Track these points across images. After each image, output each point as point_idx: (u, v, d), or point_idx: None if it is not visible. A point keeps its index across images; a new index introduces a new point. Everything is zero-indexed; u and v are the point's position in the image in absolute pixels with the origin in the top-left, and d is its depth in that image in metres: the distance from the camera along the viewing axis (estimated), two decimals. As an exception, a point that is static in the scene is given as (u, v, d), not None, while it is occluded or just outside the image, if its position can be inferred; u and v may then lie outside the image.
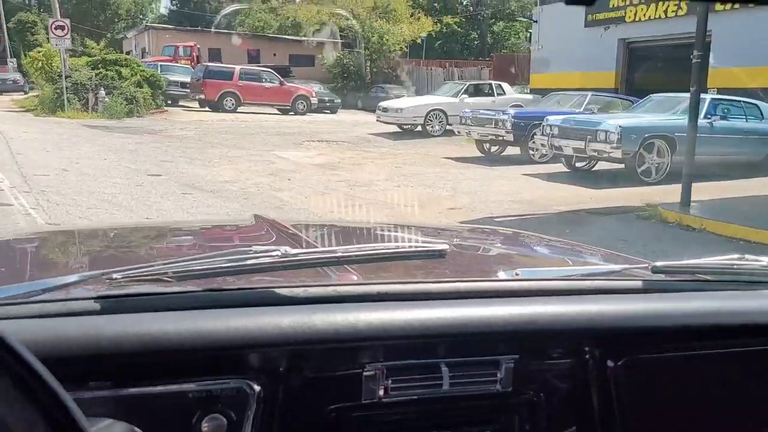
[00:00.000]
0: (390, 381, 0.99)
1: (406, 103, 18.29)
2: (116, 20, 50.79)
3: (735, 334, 1.15)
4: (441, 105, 18.17)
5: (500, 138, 13.42)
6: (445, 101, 18.34)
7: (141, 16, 53.43)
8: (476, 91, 19.06)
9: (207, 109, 24.98)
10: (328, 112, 28.86)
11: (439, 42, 43.74)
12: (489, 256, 1.91)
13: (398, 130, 18.73)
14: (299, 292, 1.04)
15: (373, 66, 34.24)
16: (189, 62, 29.90)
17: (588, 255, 1.92)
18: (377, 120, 19.23)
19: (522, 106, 18.72)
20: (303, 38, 37.95)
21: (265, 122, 21.71)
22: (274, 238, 1.66)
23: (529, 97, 19.21)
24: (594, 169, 12.36)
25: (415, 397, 1.00)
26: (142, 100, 21.25)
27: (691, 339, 1.14)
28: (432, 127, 18.30)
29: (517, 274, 1.27)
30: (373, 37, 32.83)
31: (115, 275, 1.03)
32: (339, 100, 29.72)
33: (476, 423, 1.08)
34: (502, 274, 1.34)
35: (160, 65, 27.33)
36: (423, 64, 35.02)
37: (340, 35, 37.13)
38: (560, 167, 12.41)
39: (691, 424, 1.15)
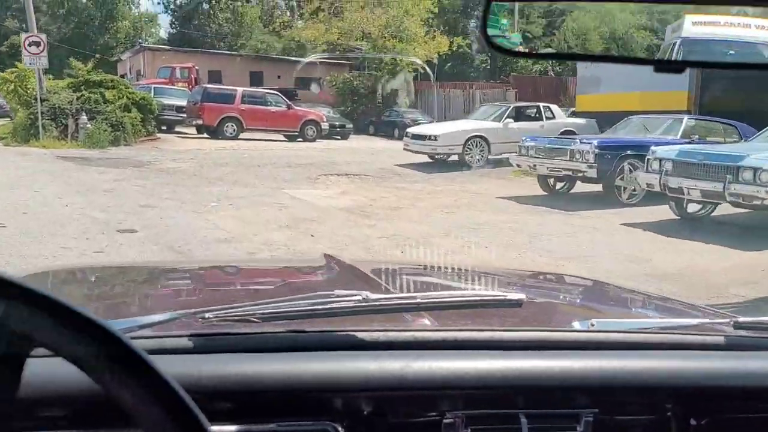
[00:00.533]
0: (470, 430, 0.96)
1: (442, 128, 15.23)
2: (115, 44, 47.90)
3: None
4: (482, 131, 15.15)
5: (579, 174, 10.36)
6: (487, 126, 15.32)
7: (140, 40, 50.70)
8: (521, 114, 16.02)
9: (205, 135, 21.98)
10: (339, 138, 25.89)
11: (449, 64, 40.85)
12: (565, 306, 1.87)
13: (428, 159, 15.75)
14: (379, 336, 1.04)
15: (386, 88, 31.38)
16: (187, 85, 26.93)
17: (666, 307, 1.88)
18: (405, 149, 16.16)
19: (575, 132, 15.72)
20: (308, 59, 35.14)
21: (271, 151, 18.69)
22: (350, 282, 1.65)
23: (581, 121, 16.22)
24: (715, 213, 9.22)
25: None
26: (130, 126, 18.20)
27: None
28: (471, 156, 15.24)
29: (592, 325, 1.19)
30: (385, 57, 29.98)
31: (207, 315, 1.06)
32: (351, 125, 26.74)
33: None
34: (577, 325, 1.24)
35: (154, 88, 24.36)
36: (439, 86, 32.14)
37: (349, 56, 34.33)
38: (664, 212, 9.30)
39: None
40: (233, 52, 36.57)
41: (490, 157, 15.04)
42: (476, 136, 14.93)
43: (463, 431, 0.96)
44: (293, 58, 35.89)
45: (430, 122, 28.02)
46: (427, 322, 1.19)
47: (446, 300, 1.23)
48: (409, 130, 16.10)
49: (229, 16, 51.33)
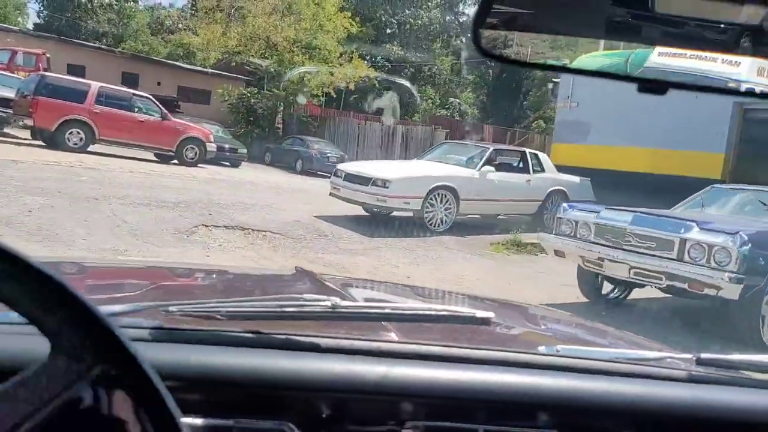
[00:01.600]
0: None
1: (395, 171, 9.74)
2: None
3: None
4: (452, 180, 9.92)
5: (705, 288, 5.27)
6: (459, 174, 10.11)
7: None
8: (502, 161, 10.95)
9: (41, 143, 15.41)
10: (228, 165, 19.94)
11: (354, 96, 35.86)
12: (531, 331, 1.87)
13: (362, 212, 10.38)
14: (345, 343, 1.02)
15: (287, 111, 25.79)
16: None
17: (630, 342, 1.84)
18: (332, 193, 10.58)
19: (566, 192, 10.96)
20: (200, 68, 28.91)
21: (128, 175, 12.53)
22: (320, 290, 1.61)
23: (575, 179, 11.52)
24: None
25: None
26: None
27: None
28: (433, 214, 9.95)
29: (557, 350, 1.18)
30: (292, 75, 24.48)
31: (171, 308, 1.03)
32: (245, 150, 20.84)
33: None
34: (542, 349, 1.21)
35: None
36: (353, 116, 27.01)
37: (249, 68, 28.48)
38: None
39: None
40: (104, 46, 29.60)
41: (456, 217, 9.89)
42: (443, 187, 9.71)
43: None
44: (180, 64, 29.60)
45: (343, 157, 22.76)
46: (394, 334, 1.17)
47: (415, 312, 1.21)
48: (341, 167, 10.55)
49: (113, 16, 44.41)
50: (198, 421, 0.86)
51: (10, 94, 15.94)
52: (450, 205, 9.86)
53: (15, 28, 28.27)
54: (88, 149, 15.18)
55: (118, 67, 26.39)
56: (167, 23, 51.07)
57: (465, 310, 1.23)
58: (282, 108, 26.07)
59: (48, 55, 21.45)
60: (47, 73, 14.84)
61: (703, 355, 1.21)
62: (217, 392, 0.89)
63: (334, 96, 25.59)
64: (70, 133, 14.90)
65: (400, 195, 9.51)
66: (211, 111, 26.53)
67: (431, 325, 1.24)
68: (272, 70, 26.15)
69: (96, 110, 15.19)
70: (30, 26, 44.91)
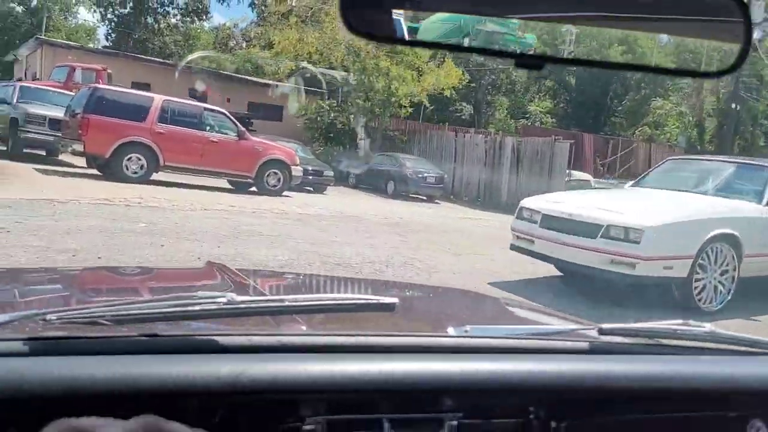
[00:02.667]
0: None
1: (645, 213, 5.48)
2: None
3: (676, 400, 1.09)
4: (733, 223, 5.87)
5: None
6: (740, 213, 6.10)
7: (39, 33, 40.83)
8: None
9: (94, 171, 12.36)
10: (311, 190, 16.58)
11: (432, 107, 32.03)
12: (439, 312, 1.78)
13: (556, 274, 6.51)
14: (242, 341, 0.96)
15: (370, 125, 22.34)
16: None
17: (539, 315, 1.89)
18: (517, 246, 6.51)
19: None
20: (272, 81, 25.88)
21: (201, 215, 9.17)
22: (221, 285, 1.56)
23: None
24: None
25: None
26: None
27: (634, 402, 1.07)
28: (704, 282, 5.79)
29: (466, 331, 1.15)
30: (378, 83, 21.03)
31: (48, 316, 0.94)
32: (331, 173, 17.42)
33: None
34: (451, 330, 1.18)
35: (20, 86, 14.61)
36: (449, 129, 23.33)
37: (325, 79, 25.27)
38: None
39: None
40: (169, 61, 26.99)
41: (734, 285, 5.90)
42: (722, 236, 5.67)
43: None
44: (251, 78, 26.66)
45: (442, 177, 19.07)
46: (296, 326, 1.13)
47: (316, 303, 1.14)
48: (532, 205, 6.40)
49: (178, 38, 42.66)
50: None
51: (61, 114, 13.00)
52: (727, 264, 5.93)
53: (77, 44, 25.91)
54: (151, 178, 12.00)
55: (185, 84, 23.57)
56: (231, 44, 49.22)
57: (369, 297, 1.17)
58: (364, 122, 22.63)
59: (109, 71, 18.65)
60: (100, 86, 11.84)
61: (605, 326, 1.19)
62: (97, 404, 0.80)
63: (428, 105, 22.03)
64: (128, 159, 11.73)
65: (661, 255, 5.51)
66: (285, 128, 23.36)
67: (338, 315, 1.19)
68: (352, 80, 22.85)
69: (160, 130, 11.99)
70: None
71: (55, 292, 1.63)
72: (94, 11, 43.66)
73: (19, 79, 21.00)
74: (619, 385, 1.07)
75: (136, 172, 11.78)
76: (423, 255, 7.55)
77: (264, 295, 1.38)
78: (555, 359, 1.08)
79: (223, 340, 0.95)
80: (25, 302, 1.47)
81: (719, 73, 0.89)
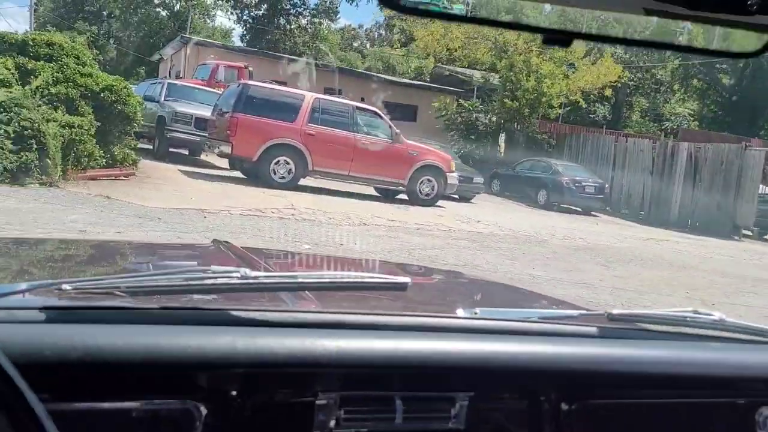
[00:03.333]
0: (342, 412, 0.89)
1: None
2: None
3: (683, 386, 1.09)
4: None
5: None
6: None
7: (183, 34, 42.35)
8: None
9: (239, 174, 11.45)
10: (457, 198, 14.98)
11: (568, 108, 29.32)
12: (449, 294, 1.81)
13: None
14: (256, 315, 0.95)
15: (516, 126, 20.39)
16: (231, 92, 16.56)
17: (547, 301, 1.91)
18: None
19: None
20: (407, 80, 24.60)
21: (359, 231, 7.89)
22: (233, 261, 1.54)
23: None
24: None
25: (367, 430, 0.90)
26: (53, 146, 7.61)
27: (642, 387, 1.07)
28: None
29: (476, 313, 1.15)
30: (527, 81, 19.07)
31: (65, 286, 0.92)
32: (481, 180, 15.74)
33: None
34: (461, 312, 1.17)
35: (167, 83, 14.07)
36: (606, 132, 20.96)
37: (462, 78, 23.62)
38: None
39: None
40: (305, 59, 26.37)
41: None
42: None
43: (336, 413, 0.88)
44: (386, 77, 25.52)
45: (603, 186, 16.85)
46: (309, 303, 1.12)
47: (329, 281, 1.08)
48: None
49: (307, 39, 42.96)
50: (98, 405, 0.79)
51: (208, 113, 12.22)
52: None
53: (217, 42, 25.89)
54: (298, 183, 10.88)
55: (321, 83, 22.80)
56: (355, 44, 48.91)
57: (382, 276, 1.17)
58: (504, 123, 20.70)
59: (250, 68, 18.00)
60: (251, 82, 10.86)
61: (614, 311, 1.18)
62: (116, 373, 0.79)
63: (584, 106, 19.80)
64: (276, 163, 10.66)
65: None
66: (419, 129, 21.88)
67: (349, 293, 1.18)
68: (495, 80, 21.03)
69: (310, 131, 10.84)
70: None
71: (70, 261, 1.58)
72: (231, 13, 44.67)
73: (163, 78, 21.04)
74: (628, 369, 1.04)
75: (283, 177, 10.69)
76: (677, 300, 5.70)
77: (274, 272, 1.35)
78: (564, 342, 1.04)
79: (237, 313, 0.92)
80: (41, 271, 1.43)
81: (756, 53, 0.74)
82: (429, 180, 11.86)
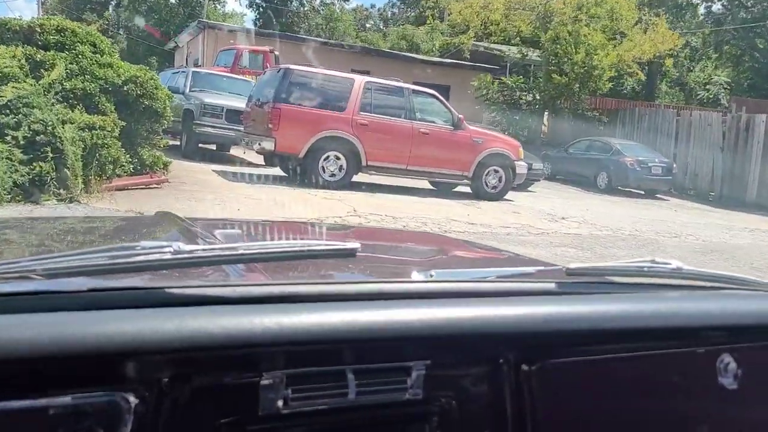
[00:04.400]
0: (290, 391, 0.83)
1: None
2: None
3: (644, 338, 1.05)
4: None
5: None
6: None
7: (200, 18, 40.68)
8: None
9: (279, 172, 10.03)
10: (515, 187, 13.45)
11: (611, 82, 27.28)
12: (404, 257, 1.73)
13: None
14: (191, 293, 0.86)
15: (568, 103, 18.74)
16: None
17: (504, 259, 1.86)
18: None
19: None
20: (438, 59, 22.98)
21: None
22: (169, 234, 1.48)
23: None
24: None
25: (319, 407, 0.84)
26: (72, 154, 6.22)
27: (602, 342, 1.03)
28: None
29: (431, 276, 1.11)
30: (577, 54, 17.41)
31: None
32: (540, 165, 14.23)
33: None
34: (416, 275, 1.14)
35: (192, 72, 12.62)
36: (666, 107, 19.28)
37: (498, 54, 21.99)
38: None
39: (604, 429, 1.04)
40: (331, 41, 24.85)
41: None
42: None
43: (283, 392, 0.82)
44: (414, 56, 23.95)
45: (670, 166, 15.27)
46: (249, 276, 1.06)
47: (272, 251, 0.98)
48: None
49: (320, 22, 41.59)
50: (8, 405, 0.72)
51: (239, 104, 10.78)
52: None
53: (237, 26, 24.39)
54: (352, 181, 9.45)
55: (348, 64, 21.26)
56: (367, 24, 47.25)
57: (329, 243, 1.07)
58: (550, 101, 19.06)
59: (276, 53, 16.52)
60: (294, 66, 9.39)
61: (573, 266, 1.15)
62: (29, 367, 0.72)
63: (643, 79, 18.12)
64: (325, 160, 9.21)
65: None
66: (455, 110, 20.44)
67: (294, 263, 1.13)
68: (535, 55, 19.40)
69: (363, 121, 9.36)
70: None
71: None
72: (243, -1, 43.19)
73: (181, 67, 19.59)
74: (587, 325, 1.01)
75: (333, 175, 9.26)
76: None
77: (216, 243, 1.24)
78: (523, 301, 1.01)
79: (169, 292, 0.85)
80: None
81: None
82: (496, 171, 10.38)
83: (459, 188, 10.65)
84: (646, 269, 1.17)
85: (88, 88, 7.16)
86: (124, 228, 1.79)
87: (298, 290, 0.92)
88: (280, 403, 0.82)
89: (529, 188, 13.68)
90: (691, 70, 33.86)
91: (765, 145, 14.52)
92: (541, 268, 1.30)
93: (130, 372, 0.76)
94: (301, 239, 1.37)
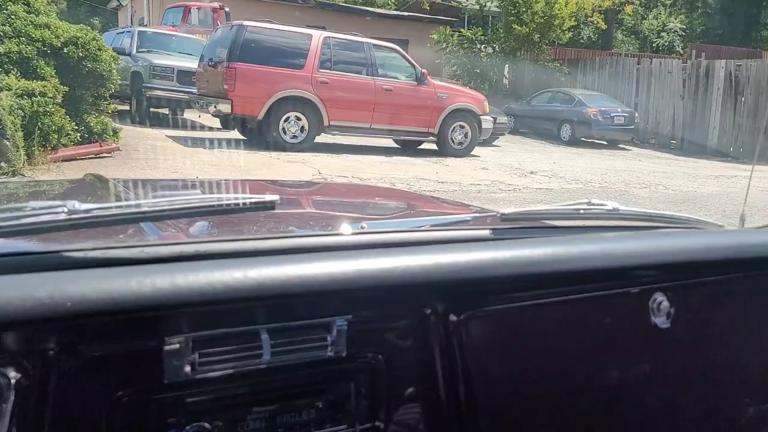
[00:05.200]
0: (198, 355, 0.77)
1: None
2: None
3: (577, 281, 1.01)
4: None
5: None
6: None
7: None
8: None
9: (238, 135, 9.62)
10: (481, 142, 13.28)
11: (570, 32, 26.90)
12: (335, 210, 1.65)
13: None
14: (87, 255, 0.81)
15: (530, 54, 18.51)
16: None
17: (445, 206, 1.79)
18: None
19: None
20: (397, 12, 22.43)
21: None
22: (72, 194, 1.34)
23: None
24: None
25: (231, 371, 0.79)
26: (11, 123, 5.75)
27: (535, 287, 1.00)
28: None
29: (362, 227, 1.04)
30: (537, 3, 17.14)
31: None
32: (505, 118, 14.06)
33: (307, 394, 0.86)
34: (345, 228, 1.07)
35: (138, 32, 11.93)
36: (627, 55, 19.20)
37: (453, 5, 21.57)
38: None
39: (539, 375, 1.00)
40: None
41: None
42: None
43: (190, 357, 0.76)
44: (373, 10, 23.31)
45: (633, 116, 15.30)
46: (166, 234, 0.98)
47: (180, 207, 0.89)
48: None
49: None
50: None
51: (190, 64, 10.25)
52: None
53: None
54: (314, 142, 9.12)
55: (302, 20, 20.53)
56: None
57: (246, 197, 0.97)
58: (511, 53, 18.82)
59: (227, 9, 15.81)
60: (248, 23, 8.86)
61: (506, 211, 1.12)
62: None
63: (603, 27, 17.97)
64: (286, 121, 8.85)
65: None
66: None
67: (208, 219, 1.05)
68: (494, 5, 19.06)
69: (323, 78, 8.99)
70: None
71: None
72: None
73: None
74: (519, 270, 0.96)
75: (295, 137, 8.92)
76: None
77: (121, 201, 1.18)
78: (452, 249, 0.94)
79: (53, 256, 0.80)
80: None
81: None
82: (462, 126, 10.17)
83: (425, 145, 10.44)
84: (582, 211, 1.15)
85: (24, 51, 6.64)
86: (39, 192, 1.62)
87: (211, 248, 0.85)
88: (187, 369, 0.77)
89: (495, 143, 13.55)
90: (645, 18, 33.90)
91: (725, 91, 14.63)
92: (477, 215, 1.23)
93: (9, 345, 0.70)
94: (216, 194, 1.25)
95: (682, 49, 27.90)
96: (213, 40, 9.66)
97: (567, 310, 1.03)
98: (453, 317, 0.93)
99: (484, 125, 10.44)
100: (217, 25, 14.33)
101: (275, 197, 0.96)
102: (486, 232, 1.10)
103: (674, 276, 1.09)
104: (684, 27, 33.29)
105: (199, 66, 9.64)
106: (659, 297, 1.07)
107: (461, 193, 6.85)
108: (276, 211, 0.99)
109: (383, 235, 1.01)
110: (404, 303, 0.91)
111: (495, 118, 13.24)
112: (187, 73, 10.23)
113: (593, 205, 1.16)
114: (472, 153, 10.51)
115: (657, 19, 33.53)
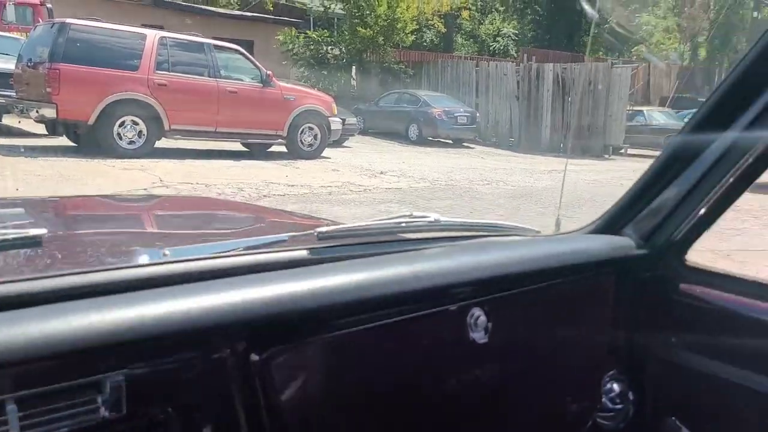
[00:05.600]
0: None
1: None
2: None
3: (395, 304, 0.97)
4: None
5: None
6: None
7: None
8: None
9: (65, 140, 8.82)
10: (330, 143, 13.34)
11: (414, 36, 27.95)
12: (130, 237, 1.37)
13: None
14: None
15: (375, 56, 18.86)
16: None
17: (262, 220, 1.66)
18: None
19: None
20: (240, 13, 21.87)
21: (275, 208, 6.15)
22: None
23: None
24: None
25: None
26: None
27: (349, 315, 0.92)
28: None
29: (165, 255, 0.93)
30: (379, 6, 17.52)
31: None
32: (354, 119, 14.21)
33: None
34: (145, 258, 0.98)
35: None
36: (465, 58, 20.11)
37: (298, 6, 21.52)
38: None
39: (355, 408, 0.95)
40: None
41: None
42: None
43: None
44: (215, 9, 22.57)
45: (474, 115, 16.12)
46: None
47: None
48: None
49: None
50: None
51: (9, 65, 9.26)
52: None
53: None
54: (154, 148, 8.60)
55: (137, 18, 19.37)
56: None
57: (8, 231, 0.87)
58: (356, 55, 19.11)
59: (49, 5, 14.51)
60: (72, 21, 8.10)
61: (323, 229, 1.06)
62: None
63: (443, 31, 18.73)
64: (121, 125, 8.27)
65: None
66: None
67: None
68: (339, 8, 19.24)
69: (160, 80, 8.51)
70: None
71: None
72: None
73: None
74: (330, 300, 0.89)
75: (132, 142, 8.37)
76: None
77: None
78: (260, 280, 0.86)
79: None
80: None
81: None
82: (311, 128, 10.12)
83: (274, 148, 10.26)
84: (404, 224, 1.14)
85: None
86: None
87: None
88: None
89: (345, 144, 13.66)
90: (482, 23, 35.98)
91: (553, 92, 15.88)
92: (294, 233, 1.19)
93: None
94: None
95: (515, 52, 29.90)
96: (32, 39, 8.79)
97: (384, 335, 0.99)
98: (254, 356, 0.85)
99: (333, 126, 10.47)
100: (38, 22, 13.11)
101: (43, 231, 0.84)
102: (303, 254, 1.02)
103: (490, 290, 1.09)
104: (516, 32, 35.73)
105: (17, 67, 8.73)
106: (477, 312, 1.06)
107: (312, 196, 6.79)
108: (52, 242, 0.86)
109: (186, 263, 0.89)
110: (195, 347, 0.81)
111: (344, 120, 13.34)
112: (4, 74, 9.22)
113: (415, 217, 1.15)
114: (322, 155, 10.49)
115: (492, 24, 35.69)
